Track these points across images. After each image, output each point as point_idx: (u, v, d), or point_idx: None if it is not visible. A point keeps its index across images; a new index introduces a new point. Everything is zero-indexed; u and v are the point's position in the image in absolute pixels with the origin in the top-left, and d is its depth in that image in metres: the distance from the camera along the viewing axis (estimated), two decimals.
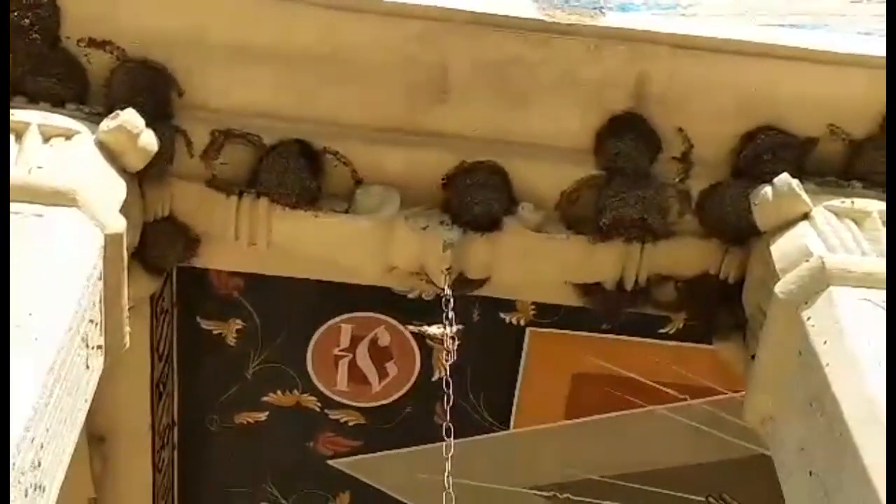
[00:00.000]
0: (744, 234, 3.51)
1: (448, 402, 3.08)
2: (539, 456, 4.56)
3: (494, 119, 3.54)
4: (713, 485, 4.63)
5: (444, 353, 3.23)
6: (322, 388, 4.38)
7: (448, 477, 2.78)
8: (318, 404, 4.41)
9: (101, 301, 3.14)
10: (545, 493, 4.67)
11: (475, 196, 3.49)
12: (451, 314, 3.36)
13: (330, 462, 4.59)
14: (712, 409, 4.37)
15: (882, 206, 3.36)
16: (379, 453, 4.56)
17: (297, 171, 3.45)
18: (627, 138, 3.48)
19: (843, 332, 2.93)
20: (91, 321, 3.05)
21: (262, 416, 4.44)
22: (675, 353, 4.23)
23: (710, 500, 4.67)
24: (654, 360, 4.29)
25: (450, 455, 2.88)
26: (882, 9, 3.76)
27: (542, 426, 4.49)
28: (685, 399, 4.40)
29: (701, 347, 4.00)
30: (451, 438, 2.93)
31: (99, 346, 3.15)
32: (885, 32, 3.57)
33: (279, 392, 4.37)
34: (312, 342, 4.24)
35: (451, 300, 3.42)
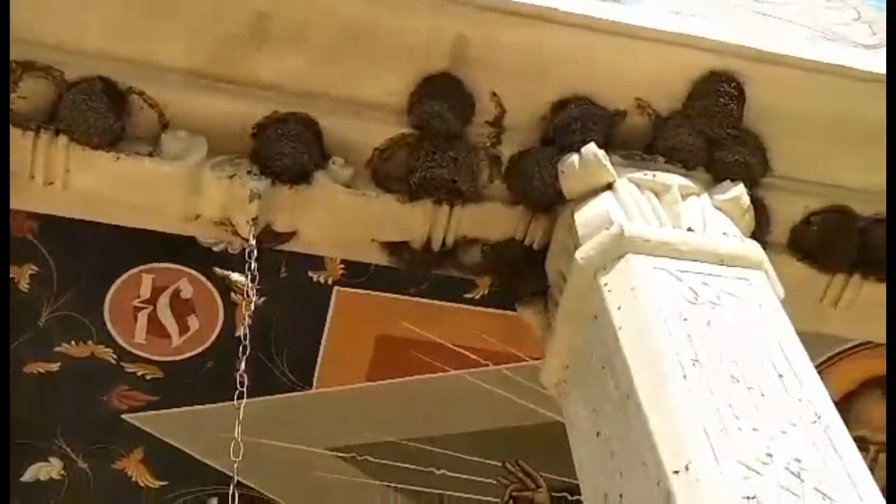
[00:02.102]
0: (550, 202, 3.56)
1: (244, 352, 3.03)
2: (340, 417, 4.55)
3: (310, 71, 3.48)
4: (510, 450, 4.71)
5: (244, 304, 3.17)
6: (119, 340, 4.26)
7: (238, 426, 2.73)
8: (114, 356, 4.28)
9: None
10: (345, 455, 4.66)
11: (285, 147, 3.43)
12: (254, 265, 3.30)
13: (124, 416, 4.47)
14: (513, 376, 4.45)
15: (682, 180, 3.46)
16: (176, 409, 4.47)
17: (99, 109, 3.31)
18: (441, 99, 3.48)
19: (637, 298, 3.00)
20: None
21: (54, 366, 4.28)
22: (480, 318, 4.29)
23: (507, 465, 4.75)
24: (458, 324, 4.33)
25: (241, 406, 2.83)
26: None
27: (344, 387, 4.48)
28: (487, 365, 4.46)
29: (505, 314, 4.05)
30: (244, 389, 2.88)
31: None
32: (695, 12, 3.68)
33: (73, 342, 4.23)
34: (111, 292, 4.12)
35: (255, 251, 3.36)
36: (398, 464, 4.69)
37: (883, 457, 4.75)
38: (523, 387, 4.43)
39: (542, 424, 4.48)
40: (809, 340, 3.94)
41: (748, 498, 2.44)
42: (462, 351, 4.41)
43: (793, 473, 2.52)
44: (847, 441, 2.66)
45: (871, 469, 4.76)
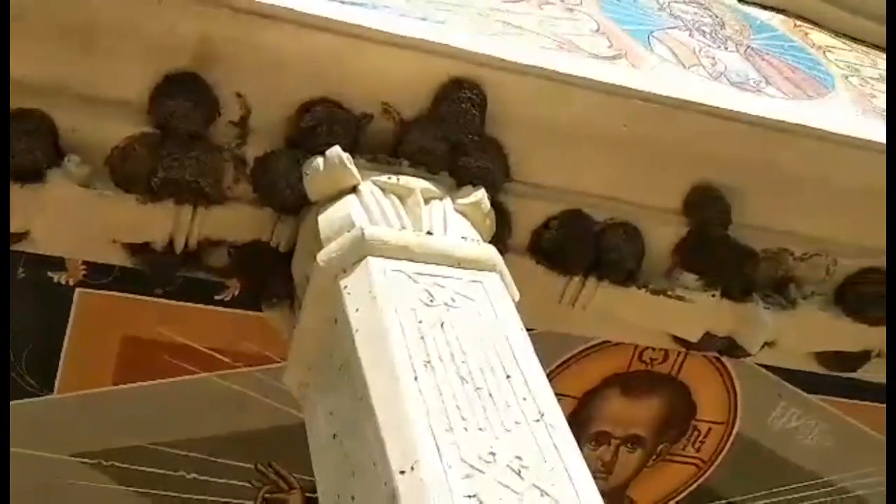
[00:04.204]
0: (296, 204, 3.56)
1: None
2: (84, 421, 4.41)
3: (43, 64, 3.35)
4: (263, 452, 4.68)
5: None
6: None
7: None
8: None
9: None
10: (89, 461, 4.52)
11: (16, 144, 3.29)
12: None
13: None
14: (264, 377, 4.42)
15: (425, 184, 3.52)
16: None
17: None
18: (183, 98, 3.41)
19: (375, 300, 3.03)
20: None
21: None
22: (231, 319, 4.23)
23: (260, 467, 4.72)
24: (209, 326, 4.26)
25: None
26: None
27: (88, 391, 4.34)
28: (239, 366, 4.41)
29: (256, 315, 4.01)
30: None
31: None
32: (442, 19, 3.76)
33: None
34: None
35: None
36: (147, 468, 4.57)
37: (623, 450, 4.97)
38: (275, 388, 4.38)
39: (294, 426, 4.44)
40: (551, 340, 4.11)
41: (469, 496, 2.50)
42: (212, 353, 4.35)
43: (513, 471, 2.60)
44: (568, 438, 2.76)
45: (613, 462, 5.03)
